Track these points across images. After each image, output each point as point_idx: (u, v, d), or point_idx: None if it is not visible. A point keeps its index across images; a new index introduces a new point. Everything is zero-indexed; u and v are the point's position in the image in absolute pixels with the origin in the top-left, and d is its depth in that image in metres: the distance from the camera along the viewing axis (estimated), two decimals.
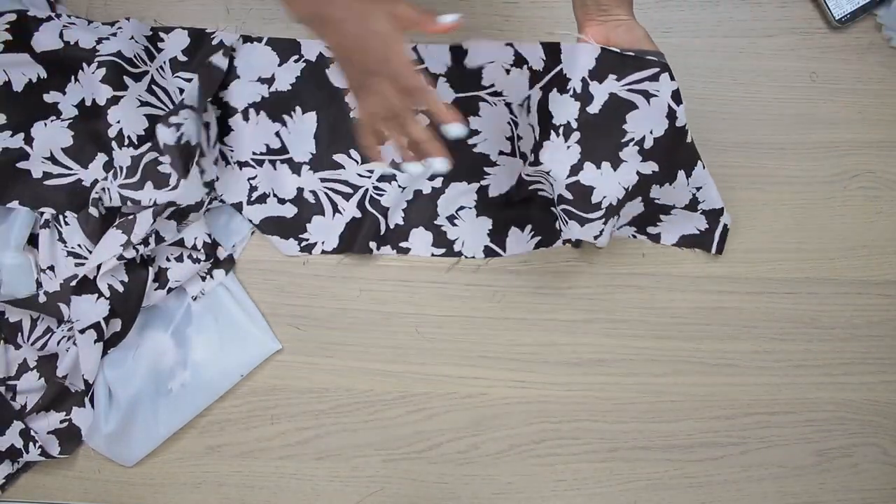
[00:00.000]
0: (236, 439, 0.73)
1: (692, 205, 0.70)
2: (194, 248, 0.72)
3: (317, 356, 0.73)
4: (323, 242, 0.74)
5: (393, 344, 0.73)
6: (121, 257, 0.68)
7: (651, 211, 0.71)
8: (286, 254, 0.74)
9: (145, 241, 0.70)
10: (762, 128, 0.75)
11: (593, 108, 0.62)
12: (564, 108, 0.63)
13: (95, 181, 0.73)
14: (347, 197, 0.74)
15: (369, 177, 0.74)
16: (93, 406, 0.72)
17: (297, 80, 0.75)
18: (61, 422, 0.72)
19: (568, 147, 0.64)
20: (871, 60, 0.75)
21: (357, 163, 0.74)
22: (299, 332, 0.74)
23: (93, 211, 0.70)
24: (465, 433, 0.72)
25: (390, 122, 0.57)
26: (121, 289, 0.70)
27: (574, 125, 0.63)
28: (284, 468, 0.73)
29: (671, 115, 0.61)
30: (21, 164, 0.73)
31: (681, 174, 0.67)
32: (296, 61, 0.75)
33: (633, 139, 0.62)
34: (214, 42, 0.75)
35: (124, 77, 0.71)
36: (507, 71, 0.72)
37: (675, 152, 0.64)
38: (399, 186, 0.74)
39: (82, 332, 0.69)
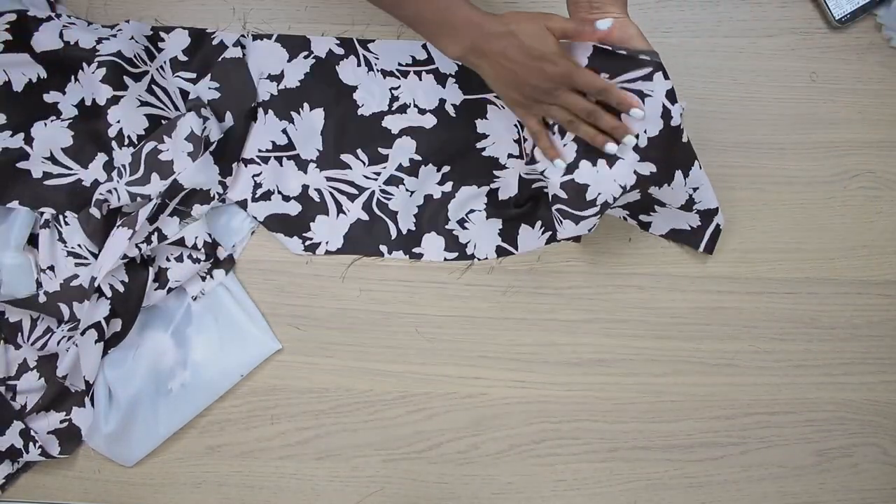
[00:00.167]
0: (236, 439, 0.73)
1: (688, 205, 0.70)
2: (194, 247, 0.72)
3: (317, 356, 0.73)
4: (327, 243, 0.74)
5: (393, 344, 0.73)
6: (123, 256, 0.68)
7: (647, 200, 0.71)
8: (292, 251, 0.74)
9: (147, 240, 0.70)
10: (762, 128, 0.75)
11: None
12: None
13: (95, 181, 0.73)
14: (352, 198, 0.74)
15: (376, 179, 0.74)
16: (93, 406, 0.72)
17: (306, 77, 0.75)
18: (61, 422, 0.72)
19: (564, 145, 0.64)
20: (871, 60, 0.75)
21: (364, 164, 0.74)
22: (299, 332, 0.74)
23: (94, 211, 0.70)
24: (465, 433, 0.72)
25: (574, 122, 0.61)
26: (121, 289, 0.70)
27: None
28: (284, 468, 0.73)
29: (666, 114, 0.61)
30: (21, 164, 0.73)
31: (678, 175, 0.67)
32: (305, 57, 0.75)
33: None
34: (215, 42, 0.75)
35: (124, 77, 0.71)
36: None
37: (671, 152, 0.64)
38: (407, 191, 0.74)
39: (83, 332, 0.69)
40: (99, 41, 0.72)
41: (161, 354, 0.73)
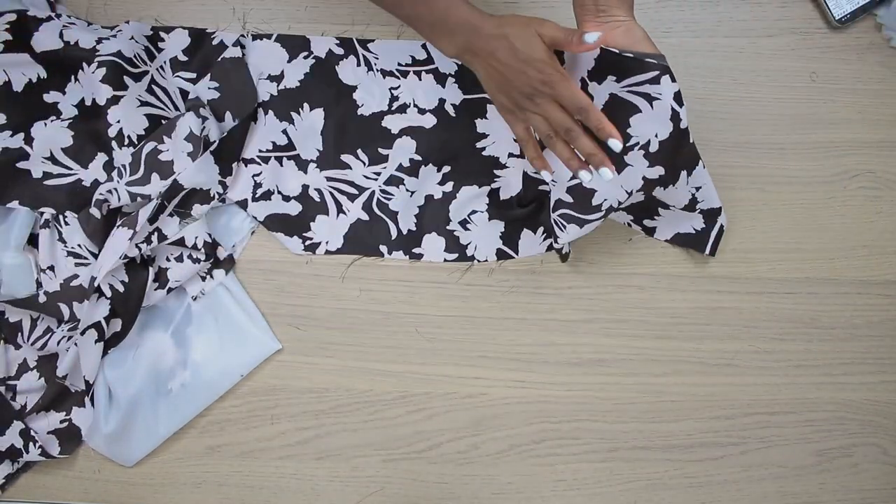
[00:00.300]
0: (236, 439, 0.73)
1: (691, 205, 0.70)
2: (194, 247, 0.72)
3: (317, 356, 0.73)
4: (327, 242, 0.74)
5: (393, 344, 0.73)
6: (123, 256, 0.68)
7: (650, 202, 0.71)
8: (292, 251, 0.74)
9: (147, 240, 0.70)
10: (762, 128, 0.75)
11: None
12: None
13: (96, 181, 0.73)
14: (352, 198, 0.74)
15: (376, 179, 0.74)
16: (93, 406, 0.72)
17: (306, 77, 0.75)
18: (61, 422, 0.72)
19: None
20: (871, 60, 0.75)
21: (364, 164, 0.74)
22: (299, 332, 0.74)
23: (94, 212, 0.70)
24: (465, 433, 0.72)
25: (553, 138, 0.60)
26: (121, 289, 0.70)
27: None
28: (284, 468, 0.73)
29: (675, 117, 0.61)
30: (21, 164, 0.73)
31: (682, 174, 0.67)
32: (305, 58, 0.75)
33: (638, 143, 0.61)
34: (215, 42, 0.75)
35: (124, 77, 0.71)
36: None
37: (679, 154, 0.64)
38: (407, 191, 0.74)
39: (83, 332, 0.69)
40: (99, 41, 0.72)
41: (161, 354, 0.73)
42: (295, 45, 0.75)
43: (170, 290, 0.72)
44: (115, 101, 0.71)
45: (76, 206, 0.73)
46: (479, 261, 0.74)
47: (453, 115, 0.74)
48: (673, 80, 0.60)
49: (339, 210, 0.74)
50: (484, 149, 0.74)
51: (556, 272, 0.74)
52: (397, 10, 0.63)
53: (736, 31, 0.76)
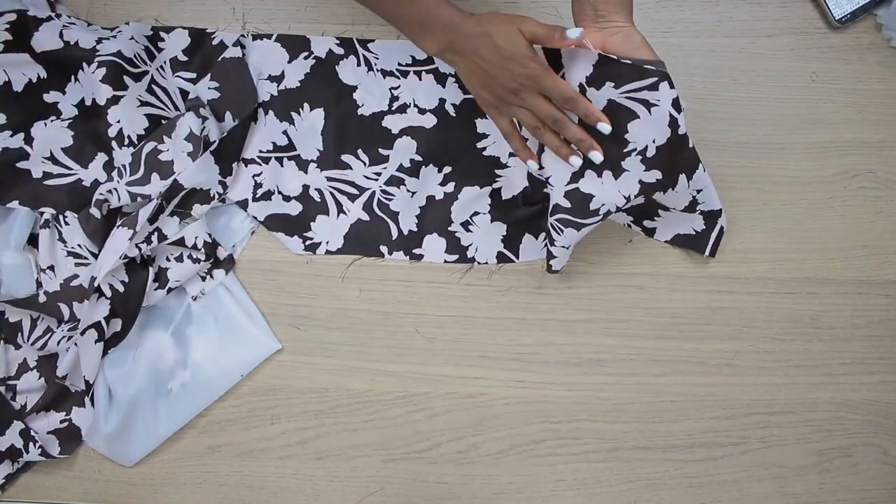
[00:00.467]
0: (236, 439, 0.73)
1: (691, 206, 0.70)
2: (194, 247, 0.72)
3: (317, 356, 0.73)
4: (327, 243, 0.74)
5: (393, 344, 0.73)
6: (123, 256, 0.68)
7: (650, 204, 0.71)
8: (292, 251, 0.74)
9: (147, 240, 0.70)
10: (762, 128, 0.75)
11: None
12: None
13: (96, 181, 0.73)
14: (353, 198, 0.74)
15: (376, 179, 0.74)
16: (93, 406, 0.72)
17: (306, 77, 0.75)
18: (61, 422, 0.72)
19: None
20: (871, 60, 0.75)
21: (364, 164, 0.74)
22: (299, 332, 0.74)
23: (94, 211, 0.70)
24: (465, 433, 0.72)
25: (541, 129, 0.62)
26: (121, 289, 0.70)
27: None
28: (284, 468, 0.73)
29: (673, 123, 0.61)
30: (21, 164, 0.73)
31: (682, 178, 0.66)
32: (305, 58, 0.75)
33: (635, 149, 0.62)
34: (215, 42, 0.75)
35: (124, 77, 0.71)
36: None
37: (677, 159, 0.64)
38: (408, 191, 0.74)
39: (83, 332, 0.69)
40: (99, 41, 0.72)
41: (161, 354, 0.73)
42: (295, 45, 0.75)
43: (170, 290, 0.72)
44: (115, 101, 0.71)
45: (76, 206, 0.73)
46: (479, 263, 0.74)
47: (453, 115, 0.74)
48: (671, 86, 0.60)
49: (340, 210, 0.74)
50: (485, 149, 0.74)
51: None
52: (381, 9, 0.64)
53: (736, 31, 0.76)
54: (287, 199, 0.74)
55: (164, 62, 0.75)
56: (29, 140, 0.73)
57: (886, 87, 0.75)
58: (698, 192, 0.69)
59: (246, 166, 0.74)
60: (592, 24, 0.61)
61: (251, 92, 0.74)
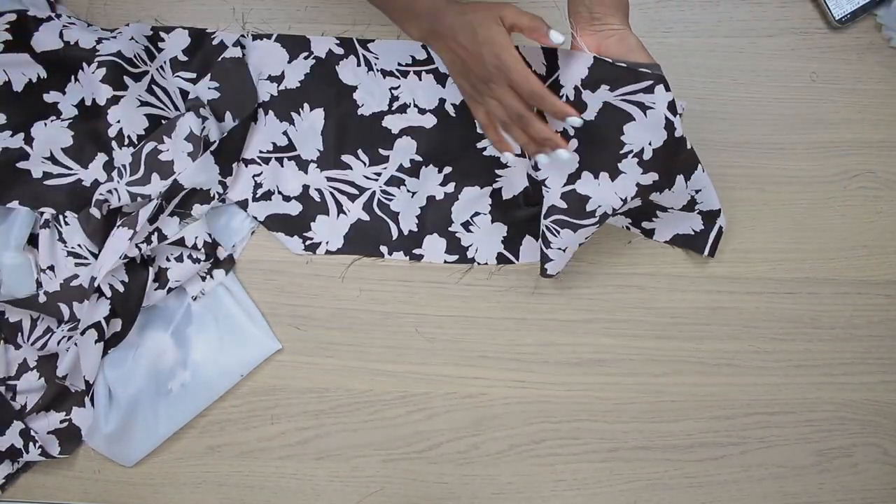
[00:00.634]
0: (236, 439, 0.73)
1: (690, 206, 0.70)
2: (194, 247, 0.72)
3: (317, 356, 0.73)
4: (327, 243, 0.74)
5: (393, 344, 0.73)
6: (123, 256, 0.68)
7: (648, 205, 0.71)
8: (292, 251, 0.74)
9: (147, 240, 0.70)
10: (762, 128, 0.75)
11: (588, 116, 0.61)
12: None
13: (95, 181, 0.73)
14: (353, 198, 0.74)
15: (376, 179, 0.74)
16: (93, 406, 0.72)
17: (307, 77, 0.75)
18: (61, 422, 0.72)
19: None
20: (871, 60, 0.75)
21: (364, 164, 0.74)
22: (299, 332, 0.74)
23: (94, 211, 0.70)
24: (465, 433, 0.72)
25: (511, 124, 0.61)
26: (121, 289, 0.70)
27: (571, 132, 0.63)
28: (284, 468, 0.73)
29: (669, 126, 0.61)
30: (21, 164, 0.73)
31: (679, 179, 0.66)
32: (305, 58, 0.75)
33: (631, 151, 0.62)
34: (215, 42, 0.75)
35: (124, 77, 0.71)
36: None
37: (674, 161, 0.64)
38: (408, 191, 0.74)
39: (83, 332, 0.69)
40: (99, 41, 0.72)
41: (161, 354, 0.73)
42: (295, 45, 0.75)
43: (170, 290, 0.72)
44: (115, 101, 0.71)
45: (76, 206, 0.73)
46: (479, 263, 0.74)
47: (454, 115, 0.74)
48: (667, 89, 0.60)
49: (340, 210, 0.74)
50: (485, 148, 0.74)
51: None
52: None
53: (736, 31, 0.76)
54: (287, 199, 0.74)
55: (164, 62, 0.75)
56: (29, 140, 0.73)
57: (886, 87, 0.75)
58: (697, 192, 0.69)
59: (246, 166, 0.74)
60: (588, 27, 0.60)
61: (251, 92, 0.73)
